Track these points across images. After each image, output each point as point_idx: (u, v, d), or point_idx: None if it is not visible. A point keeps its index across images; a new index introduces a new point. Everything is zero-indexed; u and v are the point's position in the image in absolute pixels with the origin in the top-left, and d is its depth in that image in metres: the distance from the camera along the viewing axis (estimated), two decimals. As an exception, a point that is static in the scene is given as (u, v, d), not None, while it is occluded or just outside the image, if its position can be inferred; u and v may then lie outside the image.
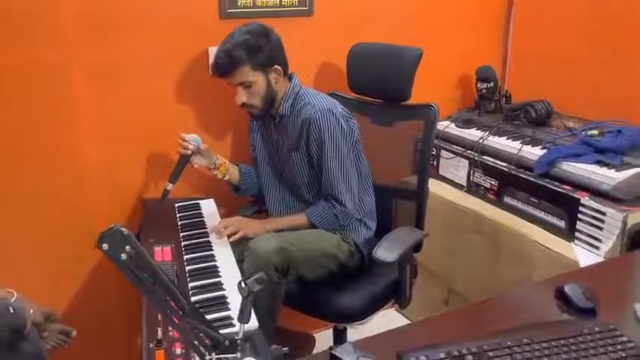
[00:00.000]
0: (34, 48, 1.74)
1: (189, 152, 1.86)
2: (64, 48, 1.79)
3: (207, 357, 0.94)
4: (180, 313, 0.92)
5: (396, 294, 1.82)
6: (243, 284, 0.97)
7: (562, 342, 1.02)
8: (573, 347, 1.01)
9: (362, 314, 1.77)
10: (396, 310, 2.32)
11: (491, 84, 2.38)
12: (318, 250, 1.77)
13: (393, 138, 2.00)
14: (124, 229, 0.82)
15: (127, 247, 0.82)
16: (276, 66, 1.80)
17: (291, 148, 1.87)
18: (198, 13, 1.96)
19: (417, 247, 1.88)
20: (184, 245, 1.66)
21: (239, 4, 2.01)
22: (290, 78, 1.88)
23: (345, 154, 1.81)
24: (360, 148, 1.92)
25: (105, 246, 0.81)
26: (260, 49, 1.76)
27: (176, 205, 1.93)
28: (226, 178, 1.98)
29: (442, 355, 0.99)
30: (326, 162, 1.79)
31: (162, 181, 1.95)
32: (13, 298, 1.37)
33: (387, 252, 1.62)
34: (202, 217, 1.85)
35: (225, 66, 1.76)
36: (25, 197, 1.83)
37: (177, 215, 1.87)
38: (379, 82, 1.98)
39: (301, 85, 1.89)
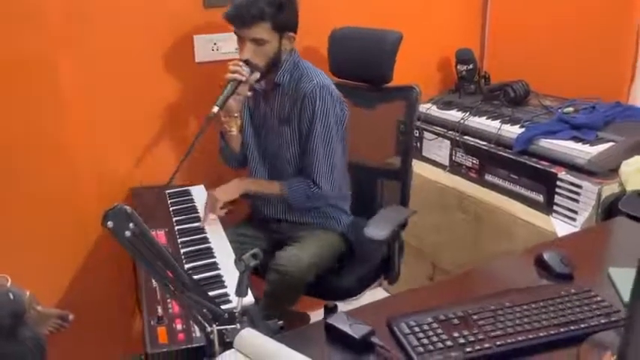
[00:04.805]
0: (19, 40, 1.75)
1: (243, 78, 1.70)
2: (49, 39, 1.80)
3: (209, 329, 0.99)
4: (183, 287, 0.97)
5: (386, 270, 1.89)
6: (239, 260, 1.02)
7: (541, 304, 1.08)
8: (552, 308, 1.07)
9: (354, 292, 1.85)
10: (383, 288, 2.39)
11: (471, 66, 2.44)
12: (328, 249, 1.83)
13: (376, 120, 2.04)
14: (127, 208, 0.86)
15: (131, 225, 0.86)
16: (291, 33, 1.76)
17: (282, 121, 1.82)
18: (183, 2, 1.97)
19: (403, 224, 1.92)
20: (178, 229, 1.70)
21: (223, -8, 2.02)
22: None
23: (334, 135, 1.79)
24: (346, 133, 1.90)
25: (110, 223, 0.85)
26: (285, 9, 1.70)
27: (167, 192, 1.96)
28: (236, 133, 1.87)
29: (430, 320, 1.04)
30: (312, 140, 1.77)
31: (151, 170, 1.98)
32: (9, 283, 1.40)
33: (377, 230, 1.68)
34: (194, 202, 1.89)
35: (247, 16, 1.66)
36: (16, 188, 1.84)
37: (169, 201, 1.90)
38: (361, 65, 2.00)
39: (301, 58, 1.84)
